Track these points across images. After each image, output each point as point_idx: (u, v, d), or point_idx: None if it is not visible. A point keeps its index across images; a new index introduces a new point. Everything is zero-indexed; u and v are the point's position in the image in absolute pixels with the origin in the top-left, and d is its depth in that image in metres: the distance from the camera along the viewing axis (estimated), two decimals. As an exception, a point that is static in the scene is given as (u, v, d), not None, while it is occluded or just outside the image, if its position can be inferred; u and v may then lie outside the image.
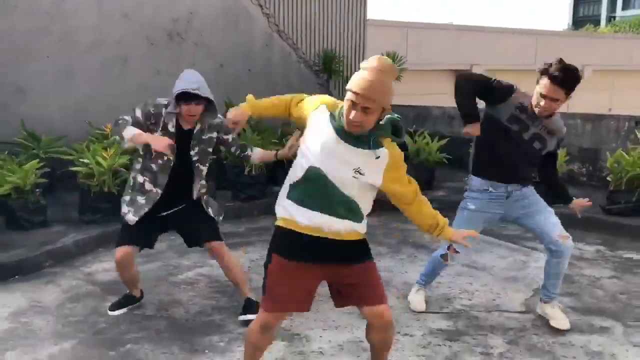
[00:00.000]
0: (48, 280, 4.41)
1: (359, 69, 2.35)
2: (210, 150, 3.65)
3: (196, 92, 3.26)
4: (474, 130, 3.34)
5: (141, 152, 3.52)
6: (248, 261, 4.80)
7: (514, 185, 3.44)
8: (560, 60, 3.15)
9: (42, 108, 6.94)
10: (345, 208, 2.42)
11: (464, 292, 4.12)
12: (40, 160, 5.69)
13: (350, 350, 3.28)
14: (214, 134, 3.62)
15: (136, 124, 3.35)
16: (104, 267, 4.68)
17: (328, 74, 9.17)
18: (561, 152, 6.41)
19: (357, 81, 2.27)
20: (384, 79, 2.26)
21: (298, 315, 3.68)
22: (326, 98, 2.54)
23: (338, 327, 3.56)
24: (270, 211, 5.98)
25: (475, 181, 3.50)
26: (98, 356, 3.23)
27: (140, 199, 3.52)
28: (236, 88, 8.36)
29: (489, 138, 3.40)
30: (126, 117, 3.36)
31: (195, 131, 3.52)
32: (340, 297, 2.59)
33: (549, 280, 3.58)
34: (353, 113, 2.28)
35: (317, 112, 2.46)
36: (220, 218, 3.80)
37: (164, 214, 3.59)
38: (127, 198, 3.57)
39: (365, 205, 2.50)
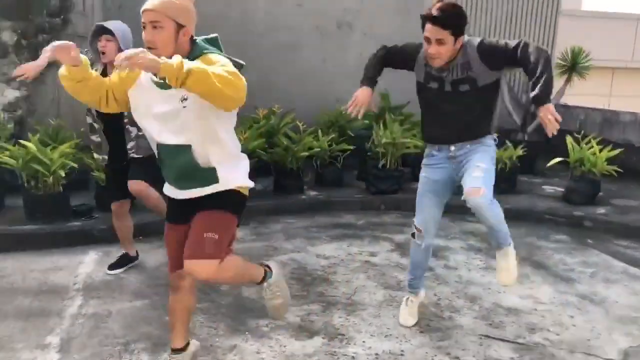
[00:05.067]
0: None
1: None
2: None
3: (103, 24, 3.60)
4: (360, 95, 3.14)
5: None
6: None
7: (458, 144, 3.08)
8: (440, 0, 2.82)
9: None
10: (191, 177, 2.37)
11: (557, 325, 3.57)
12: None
13: (383, 361, 3.08)
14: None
15: None
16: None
17: (505, 68, 8.53)
18: None
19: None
20: None
21: (355, 316, 3.58)
22: None
23: (388, 336, 3.36)
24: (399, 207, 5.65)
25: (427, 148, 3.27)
26: (157, 316, 3.52)
27: None
28: (403, 78, 8.25)
29: (422, 104, 3.22)
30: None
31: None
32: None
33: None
34: (144, 34, 2.20)
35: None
36: None
37: None
38: None
39: (210, 147, 2.36)
